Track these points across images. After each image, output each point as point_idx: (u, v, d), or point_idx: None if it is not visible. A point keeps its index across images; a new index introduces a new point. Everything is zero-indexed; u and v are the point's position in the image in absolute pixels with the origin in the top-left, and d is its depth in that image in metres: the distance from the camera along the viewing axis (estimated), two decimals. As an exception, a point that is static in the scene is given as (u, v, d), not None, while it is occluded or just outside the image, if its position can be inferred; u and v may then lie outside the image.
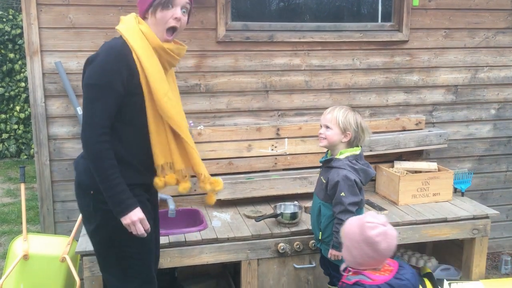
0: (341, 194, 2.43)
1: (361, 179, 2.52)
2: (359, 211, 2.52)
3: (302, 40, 3.41)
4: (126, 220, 2.01)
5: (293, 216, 2.96)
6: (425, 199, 3.36)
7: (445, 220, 3.12)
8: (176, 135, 2.16)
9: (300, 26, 3.45)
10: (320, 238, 2.62)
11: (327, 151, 2.70)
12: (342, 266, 2.04)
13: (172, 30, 2.06)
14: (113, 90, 1.96)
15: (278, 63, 3.42)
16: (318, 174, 3.28)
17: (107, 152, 1.97)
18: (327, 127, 2.54)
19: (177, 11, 2.01)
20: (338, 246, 2.44)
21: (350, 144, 2.55)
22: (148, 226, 2.07)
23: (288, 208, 3.07)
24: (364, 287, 1.88)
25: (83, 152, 2.04)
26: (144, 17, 2.07)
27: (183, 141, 2.19)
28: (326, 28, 3.47)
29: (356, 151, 2.56)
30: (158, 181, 2.18)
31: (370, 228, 1.90)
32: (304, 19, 3.59)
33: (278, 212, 2.98)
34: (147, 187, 2.20)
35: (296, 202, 3.18)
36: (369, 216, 1.96)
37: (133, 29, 2.02)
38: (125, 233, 2.05)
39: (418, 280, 2.04)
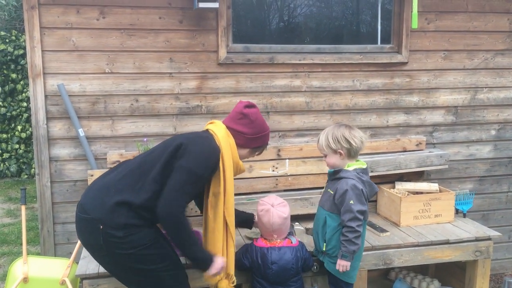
0: (350, 202, 2.49)
1: (367, 192, 2.59)
2: (364, 223, 2.57)
3: (302, 62, 3.44)
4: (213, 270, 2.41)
5: None
6: (426, 220, 3.34)
7: (447, 242, 3.10)
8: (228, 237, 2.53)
9: (301, 48, 3.48)
10: (324, 249, 2.63)
11: None
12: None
13: None
14: (206, 181, 2.39)
15: (279, 84, 3.45)
16: (319, 196, 3.29)
17: (185, 222, 2.30)
18: (323, 154, 2.70)
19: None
20: (347, 256, 2.49)
21: (350, 156, 2.62)
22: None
23: None
24: (251, 244, 2.71)
25: (162, 219, 2.29)
26: (245, 146, 2.52)
27: (231, 242, 2.53)
28: (326, 50, 3.51)
29: (363, 165, 2.65)
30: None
31: (259, 205, 2.70)
32: (304, 41, 3.64)
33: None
34: None
35: (297, 223, 3.16)
36: (267, 197, 2.74)
37: (226, 140, 2.44)
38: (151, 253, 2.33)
39: (289, 263, 2.61)
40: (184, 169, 2.26)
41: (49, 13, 3.02)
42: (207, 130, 2.51)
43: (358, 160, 2.66)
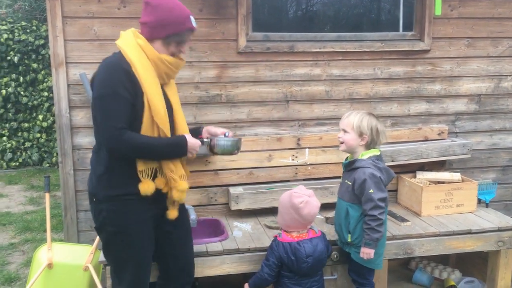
0: (370, 191, 2.49)
1: (384, 178, 2.59)
2: (385, 210, 2.58)
3: (322, 50, 3.41)
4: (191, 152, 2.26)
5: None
6: (448, 210, 3.31)
7: (469, 232, 3.07)
8: None
9: (321, 36, 3.45)
10: (349, 240, 2.63)
11: (347, 156, 2.74)
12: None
13: None
14: (121, 97, 2.07)
15: (299, 73, 3.43)
16: (339, 185, 3.28)
17: (132, 136, 2.10)
18: (345, 131, 2.63)
19: (184, 48, 2.27)
20: (371, 244, 2.49)
21: (367, 146, 2.63)
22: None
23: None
24: (275, 241, 2.62)
25: (111, 154, 2.16)
26: (151, 38, 2.17)
27: None
28: (346, 38, 3.47)
29: (377, 152, 2.65)
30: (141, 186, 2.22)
31: (296, 197, 2.56)
32: (324, 29, 3.60)
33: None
34: (152, 198, 2.25)
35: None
36: (297, 188, 2.63)
37: (131, 43, 2.15)
38: (117, 241, 2.25)
39: (323, 253, 2.61)
40: (95, 100, 2.12)
41: (71, 3, 3.04)
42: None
43: (371, 148, 2.65)
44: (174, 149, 2.22)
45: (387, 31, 3.55)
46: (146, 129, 2.17)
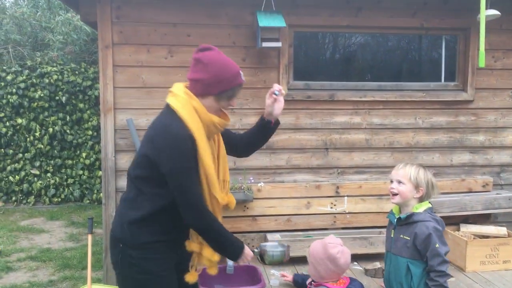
0: (436, 246, 2.38)
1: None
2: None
3: (363, 99, 3.43)
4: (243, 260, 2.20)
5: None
6: (494, 266, 3.17)
7: (518, 291, 2.93)
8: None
9: (362, 85, 3.48)
10: None
11: (391, 210, 2.65)
12: (308, 280, 2.55)
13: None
14: (195, 170, 2.10)
15: (339, 121, 3.45)
16: (379, 235, 3.20)
17: (212, 217, 2.13)
18: (400, 182, 2.52)
19: (235, 101, 2.19)
20: None
21: (421, 200, 2.52)
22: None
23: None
24: None
25: (198, 227, 2.16)
26: (203, 94, 2.13)
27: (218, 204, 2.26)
28: (387, 87, 3.48)
29: (429, 205, 2.54)
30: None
31: (331, 247, 2.47)
32: (365, 78, 3.63)
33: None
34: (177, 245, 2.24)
35: (355, 263, 3.08)
36: (329, 238, 2.54)
37: (187, 107, 2.08)
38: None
39: None
40: (172, 172, 2.08)
41: (121, 52, 3.20)
42: (167, 105, 2.16)
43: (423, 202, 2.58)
44: (232, 250, 2.22)
45: (428, 81, 3.55)
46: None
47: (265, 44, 3.12)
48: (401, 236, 2.53)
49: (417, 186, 2.48)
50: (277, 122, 2.34)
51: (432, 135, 3.52)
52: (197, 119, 2.11)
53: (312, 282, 2.56)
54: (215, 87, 2.14)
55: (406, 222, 2.53)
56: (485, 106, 3.53)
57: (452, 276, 3.00)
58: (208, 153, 2.14)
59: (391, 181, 2.57)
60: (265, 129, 2.37)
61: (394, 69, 3.72)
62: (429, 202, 2.56)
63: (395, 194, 2.53)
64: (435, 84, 3.53)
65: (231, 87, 2.15)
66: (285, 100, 3.34)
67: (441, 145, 3.53)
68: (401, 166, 2.57)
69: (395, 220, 2.59)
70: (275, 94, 2.29)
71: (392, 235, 2.62)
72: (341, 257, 2.49)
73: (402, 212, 2.56)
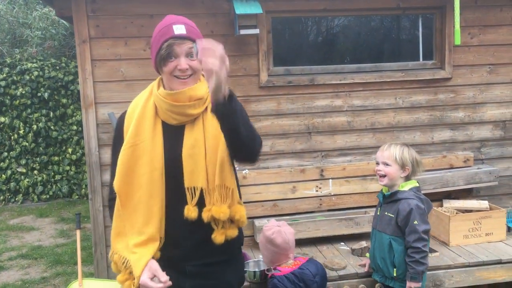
0: (414, 223, 2.45)
1: (427, 210, 2.55)
2: (428, 242, 2.52)
3: (343, 81, 3.46)
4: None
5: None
6: (477, 239, 3.25)
7: (499, 262, 3.01)
8: None
9: (341, 68, 3.50)
10: (394, 275, 2.56)
11: (382, 189, 2.70)
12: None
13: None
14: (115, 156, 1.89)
15: (320, 105, 3.48)
16: (364, 215, 3.26)
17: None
18: (386, 164, 2.56)
19: (181, 62, 1.74)
20: (417, 277, 2.43)
21: (407, 178, 2.59)
22: None
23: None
24: (275, 277, 2.51)
25: None
26: (157, 71, 1.82)
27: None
28: (366, 69, 3.52)
29: (416, 183, 2.61)
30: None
31: (266, 230, 2.61)
32: (344, 61, 3.65)
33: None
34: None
35: (342, 243, 3.14)
36: (268, 223, 2.70)
37: (145, 90, 1.89)
38: None
39: (324, 271, 2.64)
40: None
41: (99, 46, 3.19)
42: None
43: (409, 180, 2.62)
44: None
45: (407, 61, 3.58)
46: None
47: (243, 32, 3.12)
48: (386, 213, 2.60)
49: (403, 166, 2.55)
50: (218, 104, 1.52)
51: (412, 114, 3.56)
52: (143, 98, 1.85)
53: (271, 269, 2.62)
54: (152, 54, 1.80)
55: (391, 199, 2.59)
56: (463, 83, 3.58)
57: (433, 252, 3.09)
58: (134, 134, 1.79)
59: (377, 163, 2.62)
60: (220, 123, 1.63)
61: (373, 50, 3.75)
62: (417, 182, 2.62)
63: (383, 176, 2.59)
64: (414, 64, 3.57)
65: (161, 46, 1.73)
66: (266, 87, 3.39)
67: (422, 123, 3.58)
68: (386, 147, 2.61)
69: (382, 197, 2.66)
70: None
71: (378, 213, 2.69)
72: (277, 237, 2.55)
73: (390, 191, 2.62)
